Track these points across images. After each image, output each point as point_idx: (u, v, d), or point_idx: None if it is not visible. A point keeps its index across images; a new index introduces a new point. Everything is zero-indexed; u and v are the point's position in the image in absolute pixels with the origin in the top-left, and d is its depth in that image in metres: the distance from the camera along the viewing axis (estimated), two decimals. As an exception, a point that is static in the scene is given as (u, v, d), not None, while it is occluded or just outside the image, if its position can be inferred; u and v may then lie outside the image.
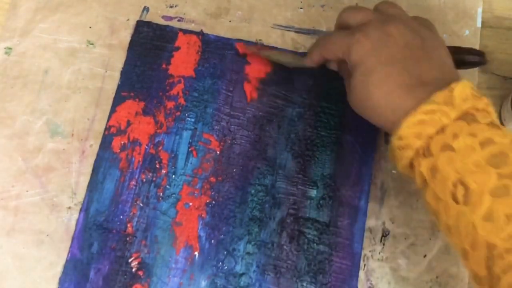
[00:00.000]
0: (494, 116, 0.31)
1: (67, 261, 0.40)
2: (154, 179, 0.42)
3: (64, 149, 0.43)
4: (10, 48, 0.46)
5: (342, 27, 0.37)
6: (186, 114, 0.44)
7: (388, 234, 0.41)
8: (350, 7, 0.37)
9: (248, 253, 0.40)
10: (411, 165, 0.32)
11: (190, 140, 0.43)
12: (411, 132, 0.30)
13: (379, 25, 0.33)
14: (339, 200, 0.41)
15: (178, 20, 0.47)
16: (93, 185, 0.42)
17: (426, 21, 0.36)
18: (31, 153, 0.43)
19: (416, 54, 0.32)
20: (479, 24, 0.47)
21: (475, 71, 0.45)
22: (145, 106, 0.44)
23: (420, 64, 0.32)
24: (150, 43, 0.46)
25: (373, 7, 0.37)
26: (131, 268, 0.40)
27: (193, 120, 0.43)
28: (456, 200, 0.28)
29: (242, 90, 0.44)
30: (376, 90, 0.32)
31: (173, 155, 0.42)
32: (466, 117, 0.30)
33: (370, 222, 0.41)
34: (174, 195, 0.41)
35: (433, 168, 0.30)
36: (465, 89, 0.30)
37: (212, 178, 0.42)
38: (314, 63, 0.39)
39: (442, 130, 0.30)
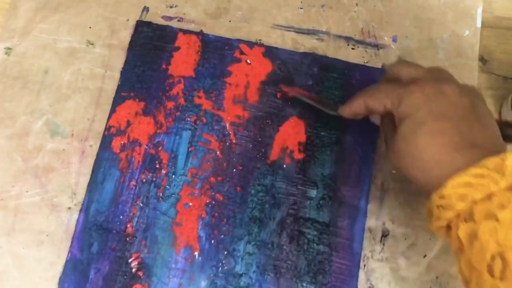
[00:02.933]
0: None
1: (67, 261, 0.40)
2: (154, 179, 0.42)
3: (64, 149, 0.43)
4: (10, 48, 0.46)
5: (392, 80, 0.36)
6: (186, 114, 0.44)
7: (388, 234, 0.41)
8: (403, 61, 0.36)
9: (248, 253, 0.40)
10: (448, 227, 0.31)
11: (190, 141, 0.43)
12: (456, 192, 0.29)
13: (434, 82, 0.33)
14: (339, 200, 0.41)
15: (178, 20, 0.47)
16: (93, 185, 0.42)
17: (475, 90, 0.35)
18: (31, 153, 0.43)
19: (468, 116, 0.32)
20: (479, 24, 0.47)
21: (475, 71, 0.45)
22: (145, 106, 0.44)
23: (472, 126, 0.31)
24: (150, 43, 0.46)
25: (426, 69, 0.36)
26: (131, 268, 0.40)
27: (193, 120, 0.43)
28: (491, 274, 0.27)
29: (242, 90, 0.44)
30: (426, 142, 0.31)
31: (173, 155, 0.42)
32: None
33: (370, 222, 0.41)
34: (174, 195, 0.41)
35: (473, 235, 0.28)
36: None
37: (212, 178, 0.42)
38: (353, 113, 0.37)
39: (489, 197, 0.28)
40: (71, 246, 0.40)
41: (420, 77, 0.34)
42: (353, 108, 0.37)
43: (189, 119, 0.43)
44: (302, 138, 0.43)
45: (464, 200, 0.29)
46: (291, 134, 0.43)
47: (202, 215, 0.41)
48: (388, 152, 0.35)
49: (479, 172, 0.28)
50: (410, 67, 0.35)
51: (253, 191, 0.41)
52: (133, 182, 0.42)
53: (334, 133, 0.43)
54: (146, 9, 0.47)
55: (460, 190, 0.29)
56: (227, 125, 0.43)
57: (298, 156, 0.42)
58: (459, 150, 0.30)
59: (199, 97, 0.44)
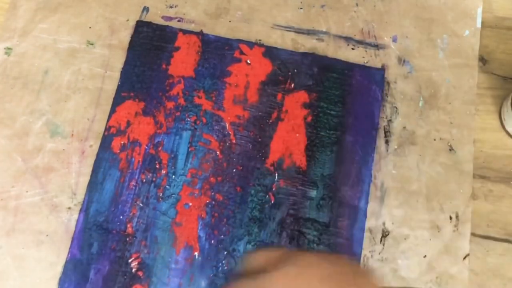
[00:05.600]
0: None
1: (67, 261, 0.40)
2: (154, 179, 0.42)
3: (64, 149, 0.43)
4: (10, 49, 0.46)
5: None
6: (186, 115, 0.44)
7: (388, 234, 0.41)
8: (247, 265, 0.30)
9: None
10: None
11: (190, 141, 0.43)
12: None
13: (296, 267, 0.27)
14: (339, 201, 0.41)
15: (178, 21, 0.47)
16: (93, 185, 0.42)
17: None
18: (31, 154, 0.43)
19: None
20: (479, 24, 0.47)
21: (475, 71, 0.45)
22: (145, 106, 0.44)
23: None
24: (150, 43, 0.46)
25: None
26: (131, 268, 0.40)
27: (193, 120, 0.43)
28: None
29: (242, 90, 0.44)
30: None
31: (173, 156, 0.42)
32: None
33: (370, 222, 0.41)
34: (174, 195, 0.41)
35: None
36: None
37: (212, 179, 0.42)
38: None
39: None
40: (71, 246, 0.40)
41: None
42: None
43: (189, 119, 0.43)
44: (302, 138, 0.43)
45: None
46: (291, 134, 0.43)
47: (202, 215, 0.41)
48: None
49: None
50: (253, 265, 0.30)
51: (253, 191, 0.41)
52: (133, 182, 0.42)
53: (334, 133, 0.43)
54: (146, 9, 0.47)
55: None
56: (227, 125, 0.43)
57: (298, 156, 0.42)
58: None
59: (199, 97, 0.44)
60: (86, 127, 0.44)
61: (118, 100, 0.44)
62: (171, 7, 0.47)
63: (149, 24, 0.46)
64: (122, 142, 0.43)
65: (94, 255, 0.40)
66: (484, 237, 0.41)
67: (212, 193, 0.41)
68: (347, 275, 0.27)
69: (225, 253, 0.40)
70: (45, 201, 0.41)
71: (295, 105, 0.44)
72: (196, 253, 0.40)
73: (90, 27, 0.47)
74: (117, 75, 0.45)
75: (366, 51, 0.46)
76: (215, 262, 0.40)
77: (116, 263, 0.40)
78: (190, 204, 0.41)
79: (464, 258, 0.40)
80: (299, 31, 0.47)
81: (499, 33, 0.47)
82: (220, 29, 0.46)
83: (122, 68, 0.45)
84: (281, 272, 0.27)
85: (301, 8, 0.47)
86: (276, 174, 0.42)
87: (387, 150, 0.43)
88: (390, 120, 0.44)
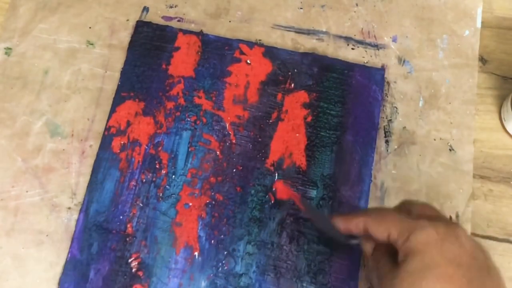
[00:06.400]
0: None
1: (67, 261, 0.40)
2: (154, 179, 0.42)
3: (64, 149, 0.43)
4: (10, 49, 0.46)
5: (400, 211, 0.33)
6: (186, 115, 0.44)
7: (388, 234, 0.41)
8: (413, 201, 0.34)
9: (248, 253, 0.40)
10: None
11: (190, 141, 0.43)
12: None
13: (447, 224, 0.30)
14: (339, 201, 0.41)
15: (178, 21, 0.47)
16: (93, 185, 0.42)
17: (485, 248, 0.33)
18: (31, 154, 0.43)
19: (481, 269, 0.29)
20: (479, 24, 0.47)
21: (475, 71, 0.45)
22: (145, 106, 0.44)
23: (483, 278, 0.29)
24: (150, 44, 0.46)
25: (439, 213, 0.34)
26: (131, 268, 0.40)
27: (193, 120, 0.43)
28: None
29: (242, 90, 0.44)
30: (435, 286, 0.28)
31: (173, 156, 0.42)
32: None
33: (370, 222, 0.41)
34: (174, 195, 0.41)
35: None
36: None
37: (212, 179, 0.42)
38: (347, 230, 0.34)
39: None
40: (71, 246, 0.40)
41: (432, 216, 0.31)
42: (350, 225, 0.34)
43: (189, 119, 0.43)
44: (302, 138, 0.43)
45: None
46: (291, 134, 0.43)
47: (202, 215, 0.41)
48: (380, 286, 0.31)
49: None
50: (424, 206, 0.33)
51: (253, 191, 0.41)
52: (133, 182, 0.42)
53: (334, 133, 0.43)
54: (146, 9, 0.47)
55: None
56: (227, 125, 0.43)
57: (298, 156, 0.42)
58: None
59: (199, 97, 0.44)
60: (86, 127, 0.44)
61: (118, 100, 0.44)
62: (171, 7, 0.47)
63: (149, 24, 0.46)
64: (122, 142, 0.43)
65: (94, 255, 0.40)
66: (484, 237, 0.41)
67: (212, 193, 0.41)
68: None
69: (225, 253, 0.40)
70: (45, 201, 0.41)
71: (295, 105, 0.44)
72: (196, 253, 0.40)
73: (90, 27, 0.47)
74: (117, 75, 0.45)
75: (366, 51, 0.46)
76: (215, 262, 0.40)
77: (116, 263, 0.40)
78: (190, 204, 0.41)
79: (464, 258, 0.40)
80: (299, 31, 0.47)
81: (499, 33, 0.47)
82: (220, 29, 0.46)
83: (122, 68, 0.45)
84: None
85: (301, 8, 0.47)
86: (276, 174, 0.42)
87: (387, 150, 0.43)
88: (390, 120, 0.44)
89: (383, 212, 0.33)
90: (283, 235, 0.40)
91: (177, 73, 0.45)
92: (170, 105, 0.44)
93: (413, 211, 0.32)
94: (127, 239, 0.40)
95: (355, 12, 0.47)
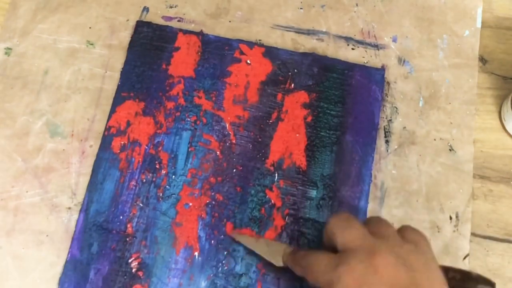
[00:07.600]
0: None
1: (67, 261, 0.40)
2: (154, 179, 0.42)
3: (64, 149, 0.43)
4: (10, 49, 0.46)
5: (330, 242, 0.33)
6: (186, 115, 0.44)
7: (388, 234, 0.41)
8: (339, 217, 0.33)
9: (248, 253, 0.40)
10: None
11: (190, 141, 0.43)
12: None
13: (366, 257, 0.30)
14: (339, 201, 0.41)
15: (178, 21, 0.47)
16: (93, 185, 0.42)
17: (417, 237, 0.33)
18: (31, 154, 0.43)
19: None
20: (479, 24, 0.47)
21: (475, 71, 0.45)
22: (145, 106, 0.44)
23: None
24: (150, 44, 0.46)
25: (365, 220, 0.35)
26: (131, 268, 0.40)
27: (193, 120, 0.43)
28: None
29: (242, 90, 0.44)
30: None
31: (173, 156, 0.42)
32: None
33: (370, 223, 0.41)
34: (174, 195, 0.41)
35: None
36: None
37: (212, 179, 0.42)
38: (293, 270, 0.36)
39: None
40: (71, 247, 0.40)
41: (352, 247, 0.31)
42: (294, 268, 0.35)
43: (189, 119, 0.43)
44: (302, 138, 0.43)
45: None
46: (291, 134, 0.43)
47: (202, 215, 0.41)
48: None
49: None
50: (345, 229, 0.32)
51: (253, 191, 0.41)
52: (133, 182, 0.42)
53: (334, 133, 0.43)
54: (146, 9, 0.47)
55: None
56: (227, 125, 0.43)
57: (298, 156, 0.42)
58: None
59: (199, 97, 0.44)
60: (86, 127, 0.44)
61: (118, 100, 0.44)
62: (171, 7, 0.47)
63: (149, 24, 0.46)
64: (122, 142, 0.43)
65: (94, 255, 0.40)
66: (484, 237, 0.41)
67: (212, 193, 0.41)
68: None
69: (225, 253, 0.40)
70: (45, 201, 0.41)
71: (295, 105, 0.44)
72: (196, 253, 0.40)
73: (90, 27, 0.47)
74: (117, 75, 0.45)
75: (366, 51, 0.46)
76: (215, 262, 0.40)
77: (116, 263, 0.40)
78: (190, 204, 0.41)
79: (464, 258, 0.40)
80: (299, 31, 0.47)
81: (499, 33, 0.47)
82: (220, 29, 0.46)
83: (122, 68, 0.45)
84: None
85: (301, 8, 0.47)
86: (276, 174, 0.42)
87: (387, 150, 0.43)
88: (390, 120, 0.44)
89: (314, 257, 0.33)
90: (283, 235, 0.40)
91: (177, 73, 0.45)
92: (170, 105, 0.44)
93: (337, 244, 0.32)
94: (127, 239, 0.40)
95: (355, 12, 0.47)
